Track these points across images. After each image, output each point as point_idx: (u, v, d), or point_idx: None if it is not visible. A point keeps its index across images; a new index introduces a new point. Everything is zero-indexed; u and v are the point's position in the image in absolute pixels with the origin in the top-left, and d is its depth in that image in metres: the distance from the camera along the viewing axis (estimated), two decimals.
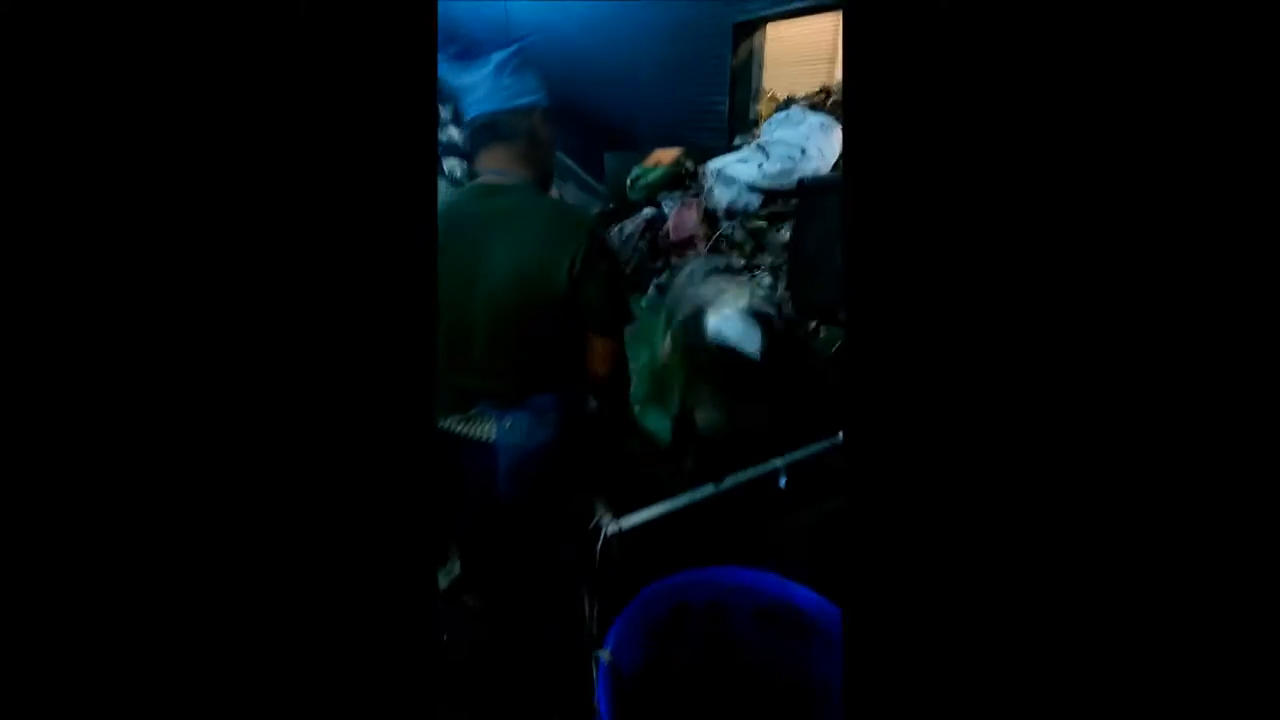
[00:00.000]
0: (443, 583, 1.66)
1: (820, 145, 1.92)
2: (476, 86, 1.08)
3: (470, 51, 1.08)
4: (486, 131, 1.10)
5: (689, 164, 2.47)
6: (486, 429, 1.14)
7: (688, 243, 1.97)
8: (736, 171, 1.98)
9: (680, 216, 2.00)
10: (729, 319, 1.67)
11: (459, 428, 1.16)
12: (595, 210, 2.38)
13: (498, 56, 1.07)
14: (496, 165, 1.11)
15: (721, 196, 2.03)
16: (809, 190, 1.44)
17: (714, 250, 1.99)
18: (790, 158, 1.91)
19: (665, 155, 2.67)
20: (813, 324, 1.49)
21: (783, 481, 1.31)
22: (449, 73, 1.10)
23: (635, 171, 2.60)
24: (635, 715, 0.91)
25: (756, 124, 2.64)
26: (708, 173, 2.17)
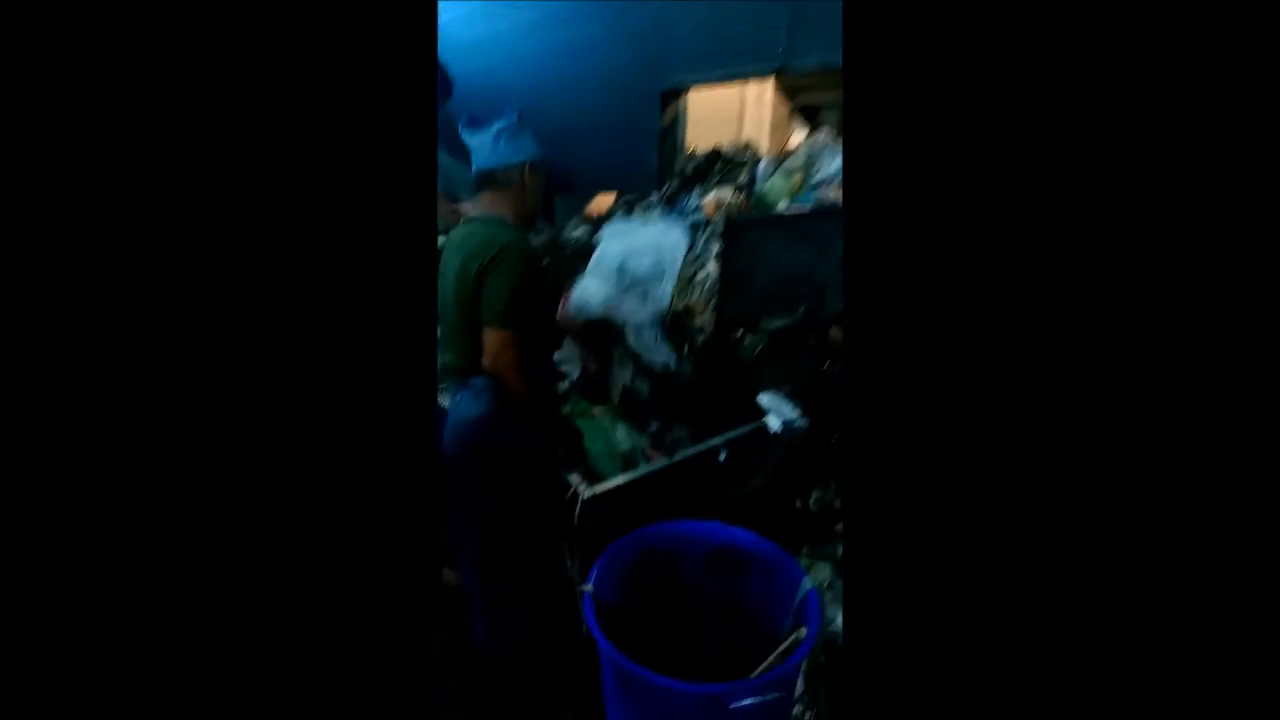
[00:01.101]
0: None
1: (671, 259, 1.71)
2: (482, 147, 1.42)
3: (478, 119, 1.42)
4: (486, 181, 1.44)
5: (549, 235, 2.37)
6: (445, 401, 1.47)
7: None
8: (588, 294, 1.72)
9: (567, 308, 1.81)
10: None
11: None
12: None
13: (499, 124, 1.41)
14: (486, 206, 1.46)
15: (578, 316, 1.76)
16: (734, 225, 1.79)
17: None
18: (636, 283, 1.68)
19: (603, 201, 3.01)
20: (739, 332, 1.83)
21: (722, 456, 1.61)
22: (463, 134, 1.43)
23: None
24: (612, 634, 1.16)
25: (681, 174, 2.95)
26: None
